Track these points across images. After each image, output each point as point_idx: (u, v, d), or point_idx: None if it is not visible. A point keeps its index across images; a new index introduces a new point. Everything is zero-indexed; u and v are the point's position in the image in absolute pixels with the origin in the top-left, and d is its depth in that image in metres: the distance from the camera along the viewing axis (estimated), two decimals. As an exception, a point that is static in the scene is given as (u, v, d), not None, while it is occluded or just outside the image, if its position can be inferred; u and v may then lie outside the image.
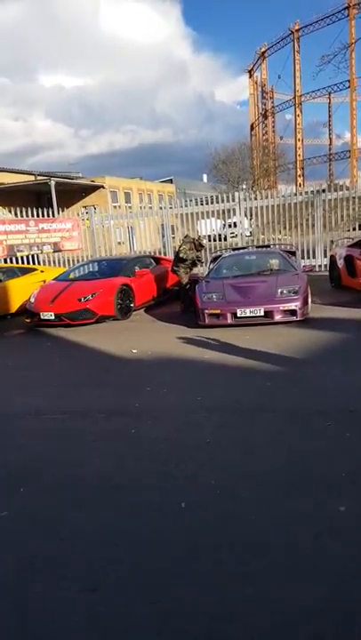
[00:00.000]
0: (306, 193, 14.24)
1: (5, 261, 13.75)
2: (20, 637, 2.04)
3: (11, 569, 2.47)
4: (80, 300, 8.73)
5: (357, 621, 1.95)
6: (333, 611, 2.02)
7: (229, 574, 2.27)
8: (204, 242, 11.03)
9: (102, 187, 34.30)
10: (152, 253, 13.90)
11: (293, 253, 10.32)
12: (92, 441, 3.92)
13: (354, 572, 2.21)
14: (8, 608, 2.21)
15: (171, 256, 11.82)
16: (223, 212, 14.99)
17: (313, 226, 13.75)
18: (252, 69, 54.38)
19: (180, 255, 9.42)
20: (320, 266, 13.12)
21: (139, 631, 2.00)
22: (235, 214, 14.61)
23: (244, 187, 33.20)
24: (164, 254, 13.92)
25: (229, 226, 16.11)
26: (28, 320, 9.19)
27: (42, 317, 8.82)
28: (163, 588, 2.22)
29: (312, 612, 2.00)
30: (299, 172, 47.12)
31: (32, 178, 32.90)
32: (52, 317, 8.73)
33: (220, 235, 16.36)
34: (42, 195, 29.99)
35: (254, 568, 2.29)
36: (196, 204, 14.82)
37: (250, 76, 54.92)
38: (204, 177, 47.10)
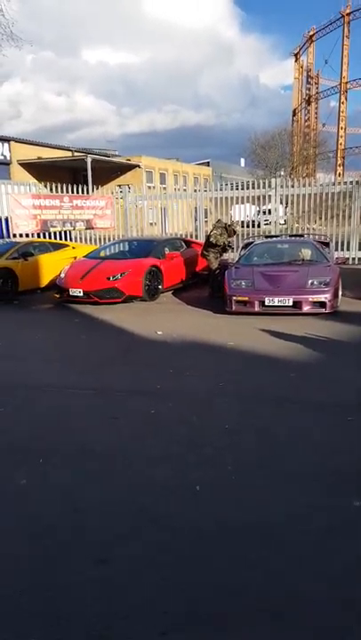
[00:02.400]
0: (345, 183, 13.86)
1: (39, 236, 13.95)
2: (35, 606, 2.10)
3: (26, 538, 2.54)
4: (109, 278, 8.78)
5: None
6: (332, 603, 2.01)
7: (233, 558, 2.28)
8: (238, 227, 10.89)
9: (138, 166, 34.18)
10: (184, 236, 13.82)
11: (327, 244, 10.09)
12: (112, 418, 3.97)
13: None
14: (23, 577, 2.28)
15: (202, 240, 11.72)
16: (258, 198, 14.76)
17: (350, 217, 13.40)
18: (298, 53, 52.82)
19: (211, 240, 9.34)
20: (354, 259, 12.83)
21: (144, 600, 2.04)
22: (270, 201, 14.36)
23: (282, 173, 32.57)
24: (196, 238, 13.83)
25: (264, 213, 15.86)
26: (57, 295, 9.31)
27: (71, 294, 8.92)
28: (169, 565, 2.25)
29: (309, 601, 2.00)
30: (339, 162, 45.78)
31: (69, 154, 33.05)
32: (81, 294, 8.82)
33: (253, 221, 16.13)
34: (78, 171, 30.11)
35: (261, 555, 2.30)
36: (232, 189, 14.62)
37: (296, 60, 53.38)
38: (242, 161, 46.40)
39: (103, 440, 3.59)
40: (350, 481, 2.90)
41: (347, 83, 46.30)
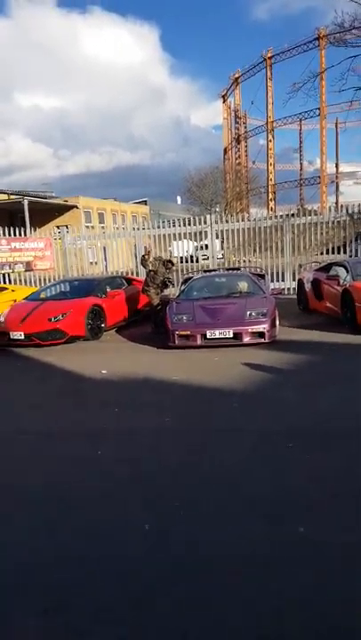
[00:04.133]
0: (276, 217, 14.65)
1: (-25, 280, 13.64)
2: None
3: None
4: (50, 319, 8.71)
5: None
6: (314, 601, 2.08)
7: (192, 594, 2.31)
8: (175, 260, 11.18)
9: (76, 207, 34.36)
10: (125, 274, 13.97)
11: (263, 276, 10.57)
12: (54, 462, 3.92)
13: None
14: None
15: (143, 277, 11.92)
16: (196, 234, 15.25)
17: (282, 249, 14.11)
18: (225, 95, 56.01)
19: (150, 268, 9.52)
20: (289, 289, 13.44)
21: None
22: (207, 237, 14.88)
23: (217, 209, 33.88)
24: (137, 275, 14.02)
25: (201, 248, 16.37)
26: (-4, 339, 9.09)
27: (11, 337, 8.74)
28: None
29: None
30: (270, 196, 48.36)
31: (5, 197, 32.75)
32: (22, 337, 8.67)
33: (192, 256, 16.60)
34: (15, 214, 29.83)
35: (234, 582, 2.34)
36: (170, 226, 15.04)
37: (223, 102, 56.53)
38: (178, 199, 47.87)
39: (44, 484, 3.53)
40: (292, 508, 3.02)
41: (273, 122, 49.42)
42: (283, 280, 13.77)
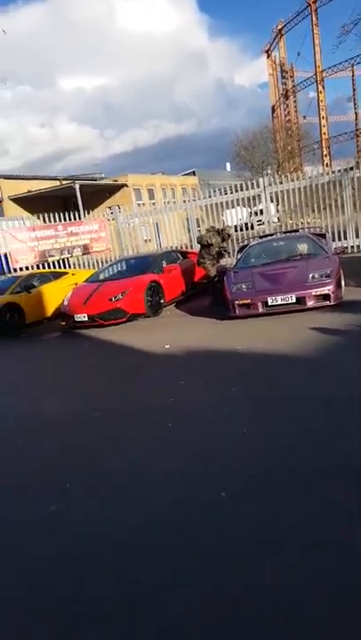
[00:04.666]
0: (333, 172, 13.86)
1: (38, 267, 14.10)
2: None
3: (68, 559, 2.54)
4: (111, 299, 8.84)
5: None
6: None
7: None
8: (231, 233, 10.91)
9: (125, 185, 34.48)
10: (179, 248, 13.88)
11: (323, 236, 10.06)
12: (129, 437, 3.97)
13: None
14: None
15: (197, 249, 11.78)
16: (249, 199, 14.79)
17: (343, 206, 13.38)
18: (269, 49, 53.23)
19: (199, 241, 9.38)
20: (352, 247, 12.79)
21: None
22: (260, 201, 14.39)
23: (269, 172, 32.65)
24: (191, 248, 13.87)
25: (255, 213, 15.89)
26: (63, 323, 9.38)
27: (76, 319, 8.98)
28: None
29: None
30: (325, 152, 45.86)
31: (57, 183, 33.46)
32: (86, 319, 8.87)
33: (246, 224, 16.16)
34: (68, 199, 30.45)
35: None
36: (220, 194, 14.68)
37: (268, 57, 53.79)
38: (228, 166, 46.63)
39: (120, 459, 3.58)
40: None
41: (322, 72, 46.42)
42: (345, 238, 13.11)
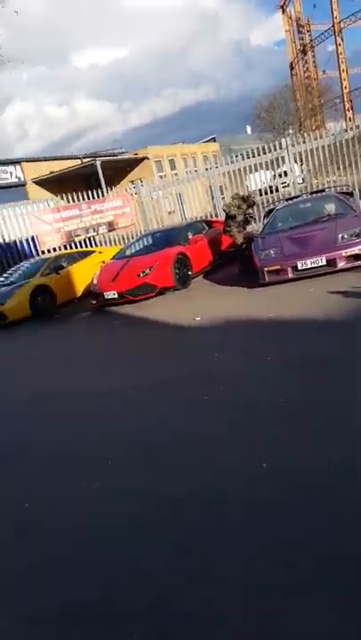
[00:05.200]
0: (357, 127, 13.29)
1: (65, 248, 14.22)
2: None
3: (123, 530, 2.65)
4: (139, 275, 8.87)
5: None
6: None
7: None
8: (256, 198, 10.68)
9: (146, 158, 34.03)
10: (204, 217, 13.71)
11: (351, 194, 9.75)
12: (168, 410, 4.05)
13: None
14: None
15: (222, 217, 11.62)
16: (272, 162, 14.38)
17: (369, 162, 12.86)
18: (284, 4, 50.68)
19: (226, 211, 9.23)
20: (382, 203, 12.31)
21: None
22: (284, 163, 13.97)
23: (291, 131, 31.59)
24: (216, 216, 13.68)
25: (279, 176, 15.46)
26: (93, 302, 9.49)
27: (106, 297, 9.06)
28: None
29: None
30: (347, 106, 43.91)
31: (78, 162, 33.31)
32: (116, 296, 8.95)
33: (271, 187, 15.76)
34: (90, 176, 30.32)
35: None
36: (242, 159, 14.31)
37: (283, 12, 51.26)
38: (248, 129, 45.30)
39: (163, 431, 3.67)
40: None
41: (340, 22, 44.02)
42: (374, 195, 12.63)
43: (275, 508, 2.49)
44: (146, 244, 10.79)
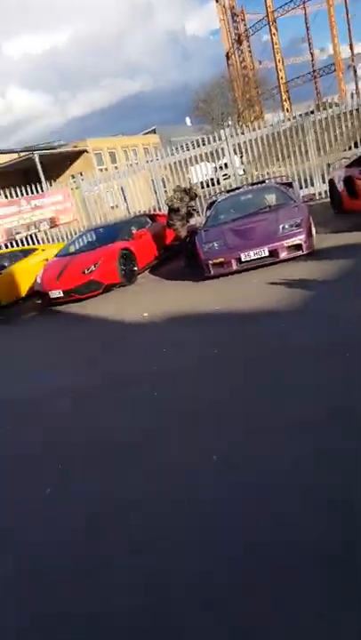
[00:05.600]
0: (294, 118, 13.60)
1: (6, 246, 13.72)
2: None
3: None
4: (84, 272, 8.70)
5: None
6: None
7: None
8: (198, 190, 10.72)
9: (85, 151, 33.34)
10: (148, 211, 13.62)
11: (290, 185, 9.98)
12: (115, 409, 4.00)
13: None
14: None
15: (166, 211, 11.59)
16: (213, 154, 14.47)
17: (307, 152, 13.20)
18: (217, -7, 50.87)
19: (169, 204, 9.22)
20: (320, 193, 12.72)
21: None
22: (224, 154, 14.09)
23: (230, 122, 31.92)
24: (160, 210, 13.63)
25: (221, 168, 15.60)
26: (39, 301, 9.24)
27: (51, 296, 8.84)
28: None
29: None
30: (284, 97, 44.87)
31: (15, 156, 32.12)
32: (61, 294, 8.74)
33: (212, 179, 15.88)
34: (29, 171, 29.27)
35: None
36: (182, 151, 14.30)
37: (217, 1, 51.48)
38: (188, 120, 45.42)
39: (112, 428, 3.62)
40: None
41: (273, 12, 44.69)
42: (312, 185, 13.01)
43: (218, 500, 2.52)
44: (89, 240, 10.59)
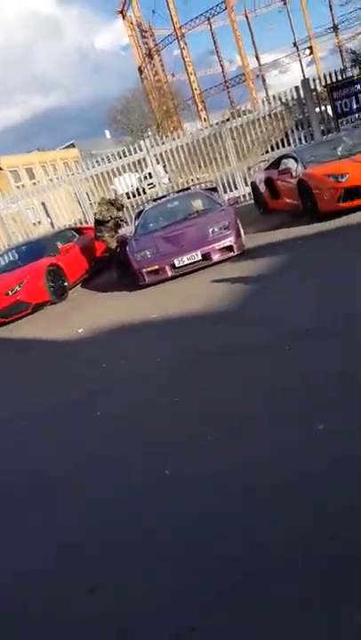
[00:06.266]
0: (211, 126, 13.82)
1: None
2: None
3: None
4: (8, 293, 8.13)
5: None
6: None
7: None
8: (124, 200, 10.52)
9: (0, 168, 32.23)
10: (73, 225, 13.21)
11: (215, 190, 10.06)
12: (56, 430, 3.68)
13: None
14: None
15: (92, 224, 11.28)
16: (136, 164, 14.34)
17: (227, 157, 13.44)
18: (123, 9, 51.34)
19: (97, 217, 8.96)
20: (244, 195, 12.94)
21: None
22: (147, 165, 14.01)
23: (150, 133, 32.14)
24: (86, 223, 13.28)
25: (145, 178, 15.51)
26: None
27: (-25, 322, 8.22)
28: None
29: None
30: (200, 107, 45.98)
31: None
32: (-15, 319, 8.15)
33: (138, 189, 15.75)
34: None
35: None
36: (105, 163, 14.05)
37: (123, 18, 51.92)
38: (107, 133, 45.29)
39: (51, 456, 3.30)
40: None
41: (180, 27, 45.81)
42: (236, 188, 13.24)
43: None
44: (12, 259, 10.02)
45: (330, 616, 1.64)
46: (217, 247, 7.16)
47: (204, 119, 37.98)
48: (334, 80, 12.46)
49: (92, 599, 2.06)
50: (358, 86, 12.11)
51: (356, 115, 12.05)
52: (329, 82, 12.51)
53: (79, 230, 10.92)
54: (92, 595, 2.07)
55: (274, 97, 13.53)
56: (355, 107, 12.19)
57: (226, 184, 13.29)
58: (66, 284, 8.85)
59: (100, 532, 2.46)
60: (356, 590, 1.69)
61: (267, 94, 40.52)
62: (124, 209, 10.61)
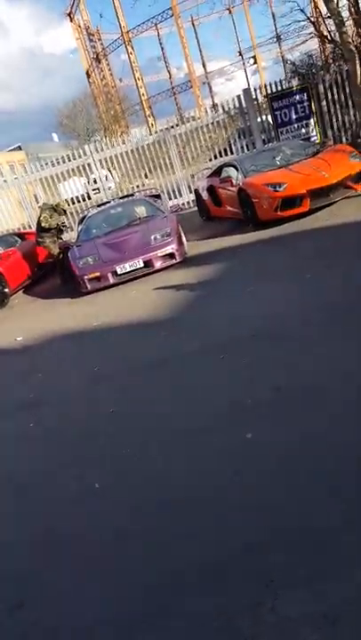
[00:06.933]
0: (156, 132, 13.90)
1: None
2: None
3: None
4: None
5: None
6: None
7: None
8: (66, 205, 10.38)
9: None
10: (16, 230, 12.91)
11: (158, 196, 10.13)
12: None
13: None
14: None
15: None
16: (82, 169, 14.19)
17: (172, 164, 13.55)
18: (71, 12, 50.75)
19: (43, 225, 8.80)
20: (188, 202, 13.10)
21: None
22: (92, 169, 13.91)
23: (98, 138, 31.92)
24: (30, 228, 13.00)
25: (94, 181, 15.36)
26: None
27: None
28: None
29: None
30: (147, 112, 46.07)
31: None
32: None
33: (84, 194, 15.60)
34: None
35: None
36: (50, 166, 13.83)
37: (71, 20, 51.29)
38: (55, 136, 44.53)
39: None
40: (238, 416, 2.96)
41: (128, 32, 45.77)
42: (180, 195, 13.38)
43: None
44: None
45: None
46: (159, 254, 7.24)
47: (152, 125, 38.13)
48: (275, 90, 12.86)
49: None
50: (298, 97, 12.62)
51: (296, 125, 12.54)
52: (270, 92, 12.90)
53: (22, 235, 10.71)
54: None
55: (217, 105, 13.78)
56: (294, 117, 12.68)
57: (170, 191, 13.41)
58: (6, 290, 8.65)
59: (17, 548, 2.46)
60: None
61: (213, 102, 41.25)
62: (69, 214, 10.49)
